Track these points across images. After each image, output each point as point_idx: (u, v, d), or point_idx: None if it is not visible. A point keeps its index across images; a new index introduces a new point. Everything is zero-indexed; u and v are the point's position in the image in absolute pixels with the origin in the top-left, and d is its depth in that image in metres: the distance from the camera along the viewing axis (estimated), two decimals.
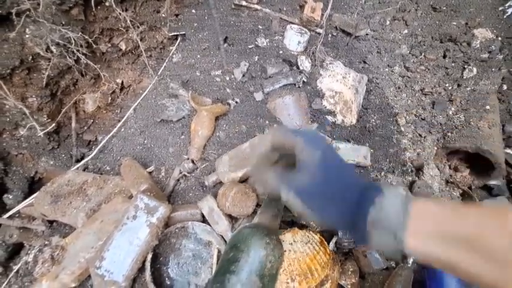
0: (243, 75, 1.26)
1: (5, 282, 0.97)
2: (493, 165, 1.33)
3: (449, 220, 0.41)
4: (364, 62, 1.54)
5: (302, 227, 0.99)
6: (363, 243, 0.50)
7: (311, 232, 0.96)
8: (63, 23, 1.29)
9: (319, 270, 0.89)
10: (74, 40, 1.25)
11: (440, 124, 1.44)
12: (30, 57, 1.34)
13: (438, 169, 1.35)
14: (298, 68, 1.29)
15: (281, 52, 1.33)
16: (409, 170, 1.29)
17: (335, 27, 1.54)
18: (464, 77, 1.56)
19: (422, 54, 1.67)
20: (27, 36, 1.28)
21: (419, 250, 0.42)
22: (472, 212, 0.41)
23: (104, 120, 1.73)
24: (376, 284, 0.97)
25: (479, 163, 1.39)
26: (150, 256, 0.80)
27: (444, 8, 1.81)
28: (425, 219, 0.42)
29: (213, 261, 0.90)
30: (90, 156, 1.39)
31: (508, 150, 1.54)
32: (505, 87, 1.63)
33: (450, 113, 1.47)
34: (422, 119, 1.45)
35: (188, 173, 1.09)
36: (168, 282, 0.86)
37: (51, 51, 1.31)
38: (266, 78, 1.24)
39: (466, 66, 1.58)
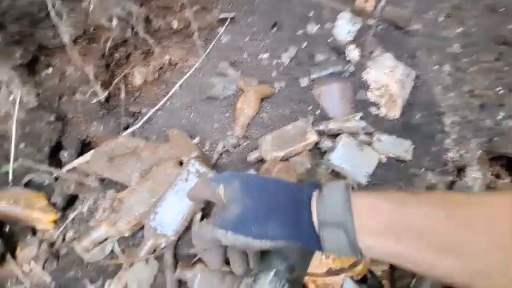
0: (290, 60, 1.29)
1: (62, 227, 1.08)
2: None
3: (395, 212, 0.39)
4: (413, 58, 1.50)
5: None
6: (319, 250, 0.45)
7: None
8: None
9: None
10: (135, 15, 1.33)
11: (488, 128, 1.39)
12: (93, 28, 1.44)
13: (481, 173, 1.31)
14: (346, 57, 1.29)
15: (330, 40, 1.33)
16: (450, 170, 1.27)
17: (386, 19, 1.52)
18: None
19: (475, 55, 1.60)
20: (92, 7, 1.38)
21: (370, 245, 0.39)
22: (415, 202, 0.39)
23: (150, 94, 1.82)
24: (407, 274, 0.98)
25: None
26: (199, 215, 0.86)
27: (503, 9, 1.71)
28: (371, 212, 0.40)
29: None
30: (137, 125, 1.48)
31: None
32: None
33: (498, 118, 1.41)
34: (468, 121, 1.40)
35: (231, 148, 1.14)
36: None
37: (113, 24, 1.40)
38: (313, 65, 1.26)
39: None
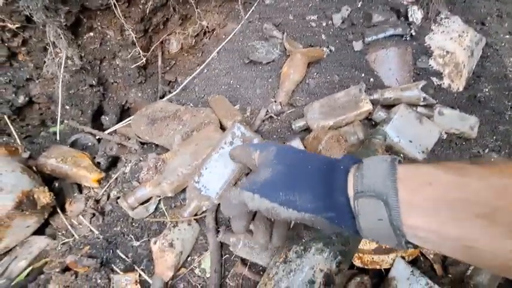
0: (343, 22, 1.16)
1: (106, 186, 1.10)
2: None
3: (455, 183, 0.29)
4: (483, 24, 1.31)
5: None
6: (352, 231, 0.38)
7: None
8: None
9: None
10: None
11: None
12: None
13: None
14: (407, 19, 1.14)
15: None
16: None
17: None
18: None
19: None
20: None
21: (417, 225, 0.30)
22: (482, 173, 0.29)
23: (185, 63, 1.79)
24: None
25: None
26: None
27: None
28: (422, 183, 0.30)
29: None
30: (174, 93, 1.46)
31: None
32: None
33: None
34: None
35: (275, 115, 1.08)
36: None
37: None
38: (369, 26, 1.13)
39: None
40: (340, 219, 0.36)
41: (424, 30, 1.14)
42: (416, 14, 1.13)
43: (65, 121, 1.36)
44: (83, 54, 1.46)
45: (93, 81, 1.44)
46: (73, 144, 1.26)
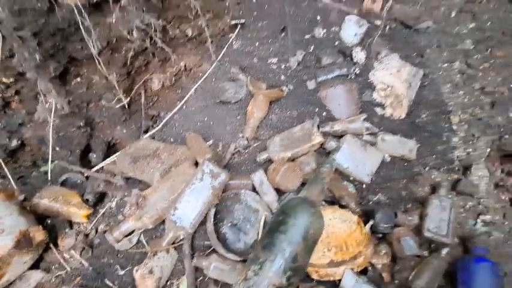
0: (298, 64, 1.35)
1: (95, 221, 1.22)
2: None
3: None
4: (422, 56, 1.52)
5: (342, 207, 1.08)
6: None
7: (350, 212, 1.05)
8: (144, 9, 1.49)
9: (354, 245, 0.98)
10: (154, 26, 1.44)
11: (498, 126, 1.38)
12: (115, 39, 1.57)
13: (489, 171, 1.32)
14: (352, 59, 1.34)
15: (337, 43, 1.38)
16: (456, 169, 1.29)
17: (394, 18, 1.53)
18: None
19: (489, 50, 1.58)
20: (114, 21, 1.50)
21: None
22: None
23: (167, 99, 1.95)
24: (407, 268, 1.03)
25: None
26: (213, 211, 0.97)
27: None
28: None
29: (260, 226, 1.04)
30: (156, 129, 1.61)
31: None
32: None
33: (511, 115, 1.40)
34: (478, 119, 1.41)
35: (242, 149, 1.23)
36: (222, 237, 1.03)
37: (133, 35, 1.52)
38: (320, 67, 1.32)
39: None
40: None
41: (368, 68, 1.34)
42: (359, 55, 1.33)
43: (55, 161, 1.48)
44: (71, 99, 1.61)
45: (81, 123, 1.58)
46: (63, 183, 1.38)
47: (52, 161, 1.48)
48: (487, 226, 1.20)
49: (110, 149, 1.77)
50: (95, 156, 1.63)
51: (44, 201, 1.17)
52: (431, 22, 1.59)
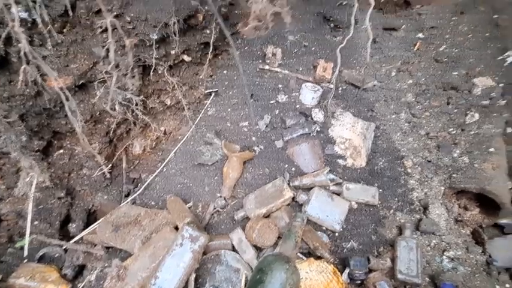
0: (266, 126, 1.52)
1: None
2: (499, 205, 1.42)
3: None
4: (372, 111, 1.76)
5: (317, 258, 1.15)
6: None
7: (325, 263, 1.12)
8: (126, 88, 1.67)
9: None
10: (135, 101, 1.60)
11: (446, 166, 1.57)
12: (98, 113, 1.71)
13: (446, 208, 1.46)
14: (312, 119, 1.53)
15: (298, 106, 1.59)
16: (417, 209, 1.42)
17: (344, 81, 1.80)
18: (467, 122, 1.71)
19: (427, 101, 1.86)
20: (97, 97, 1.66)
21: None
22: None
23: (148, 161, 2.04)
24: None
25: (488, 202, 1.48)
26: (193, 276, 1.00)
27: (445, 59, 2.03)
28: None
29: (241, 285, 1.08)
30: (137, 193, 1.66)
31: None
32: (509, 130, 1.75)
33: (455, 155, 1.61)
34: (428, 161, 1.60)
35: (221, 208, 1.31)
36: None
37: (116, 110, 1.67)
38: (285, 128, 1.49)
39: (468, 112, 1.74)
40: None
41: (327, 125, 1.53)
42: (318, 115, 1.53)
43: (33, 236, 1.47)
44: (52, 170, 1.66)
45: (62, 194, 1.61)
46: (41, 258, 1.36)
47: (30, 235, 1.46)
48: (453, 262, 1.29)
49: (91, 215, 1.77)
50: (74, 226, 1.62)
51: (20, 280, 1.15)
52: (376, 81, 1.88)
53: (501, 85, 1.86)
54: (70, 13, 1.35)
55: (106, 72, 1.56)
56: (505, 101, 1.80)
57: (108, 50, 1.53)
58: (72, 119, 1.39)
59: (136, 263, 1.07)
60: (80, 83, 1.58)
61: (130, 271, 1.04)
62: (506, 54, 2.01)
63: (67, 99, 1.39)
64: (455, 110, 1.80)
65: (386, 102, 1.86)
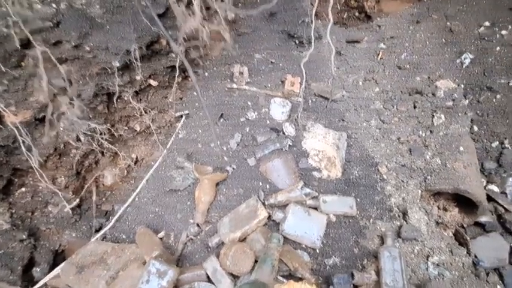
0: (237, 145, 1.49)
1: None
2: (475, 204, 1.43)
3: None
4: (343, 120, 1.77)
5: (299, 279, 1.09)
6: None
7: (307, 284, 1.06)
8: (91, 117, 1.61)
9: None
10: (99, 130, 1.54)
11: (420, 169, 1.58)
12: (62, 145, 1.63)
13: (426, 211, 1.45)
14: (284, 133, 1.52)
15: (268, 122, 1.58)
16: (396, 215, 1.40)
17: (314, 94, 1.82)
18: (435, 124, 1.75)
19: (395, 107, 1.90)
20: (60, 129, 1.58)
21: None
22: None
23: (120, 191, 1.94)
24: None
25: (466, 201, 1.48)
26: None
27: (408, 66, 2.10)
28: None
29: None
30: (108, 227, 1.56)
31: (491, 187, 1.64)
32: (476, 128, 1.81)
33: (427, 157, 1.63)
34: (402, 165, 1.60)
35: (194, 236, 1.24)
36: None
37: (80, 140, 1.60)
38: (257, 145, 1.47)
39: (434, 114, 1.79)
40: None
41: (299, 139, 1.52)
42: (289, 129, 1.52)
43: None
44: (13, 211, 1.54)
45: (24, 235, 1.48)
46: None
47: None
48: (438, 267, 1.26)
49: (58, 256, 1.63)
50: (38, 270, 1.49)
51: None
52: (344, 92, 1.91)
53: (462, 86, 1.94)
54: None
55: (69, 103, 1.50)
56: (467, 101, 1.87)
57: (70, 81, 1.49)
58: (27, 154, 1.31)
59: None
60: (41, 116, 1.51)
61: None
62: (463, 57, 2.11)
63: (20, 135, 1.31)
64: (422, 113, 1.84)
65: (356, 111, 1.89)
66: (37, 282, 1.40)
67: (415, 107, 1.88)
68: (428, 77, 2.00)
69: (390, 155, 1.65)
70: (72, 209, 1.71)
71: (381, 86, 2.02)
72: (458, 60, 2.12)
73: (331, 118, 1.74)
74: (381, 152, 1.66)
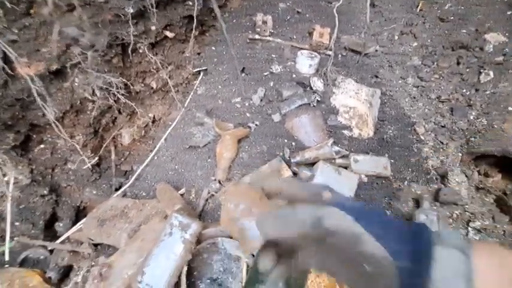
0: (261, 100, 1.38)
1: None
2: None
3: None
4: (376, 77, 1.60)
5: None
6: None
7: None
8: (106, 70, 1.52)
9: None
10: (115, 84, 1.46)
11: (462, 130, 1.43)
12: (79, 101, 1.56)
13: (466, 175, 1.32)
14: (311, 88, 1.38)
15: (294, 76, 1.43)
16: (434, 178, 1.28)
17: (344, 47, 1.64)
18: (482, 81, 1.55)
19: (435, 63, 1.70)
20: (76, 84, 1.51)
21: None
22: None
23: (139, 151, 1.90)
24: None
25: (511, 166, 1.34)
26: (185, 269, 0.87)
27: (451, 17, 1.85)
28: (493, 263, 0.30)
29: (243, 275, 0.95)
30: (127, 185, 1.53)
31: None
32: None
33: (471, 118, 1.46)
34: (442, 126, 1.45)
35: (215, 192, 1.18)
36: None
37: (96, 95, 1.53)
38: (282, 100, 1.34)
39: (482, 71, 1.58)
40: (415, 270, 0.33)
41: (328, 94, 1.38)
42: (317, 84, 1.38)
43: (15, 238, 1.34)
44: (34, 167, 1.52)
45: (45, 191, 1.48)
46: (23, 262, 1.23)
47: (11, 238, 1.34)
48: (479, 233, 1.15)
49: (80, 213, 1.65)
50: (61, 225, 1.50)
51: None
52: (378, 46, 1.72)
53: None
54: None
55: (82, 53, 1.41)
56: None
57: (83, 30, 1.39)
58: (43, 106, 1.25)
59: (121, 259, 0.94)
60: (55, 69, 1.44)
61: (115, 269, 0.92)
62: None
63: (35, 86, 1.25)
64: (467, 70, 1.63)
65: (391, 67, 1.70)
66: (60, 236, 1.42)
67: (458, 63, 1.67)
68: (476, 30, 1.76)
69: (429, 115, 1.49)
70: (92, 167, 1.69)
71: (420, 40, 1.80)
72: (509, 12, 1.85)
73: (363, 74, 1.57)
74: (418, 111, 1.50)
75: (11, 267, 1.19)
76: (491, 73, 1.56)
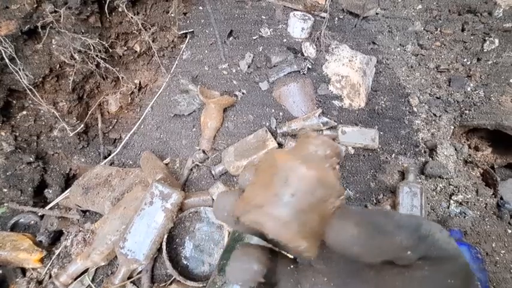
0: (248, 67, 1.30)
1: (49, 264, 1.11)
2: None
3: None
4: (374, 43, 1.50)
5: None
6: None
7: None
8: (83, 31, 1.41)
9: None
10: (93, 46, 1.37)
11: (457, 102, 1.37)
12: (58, 65, 1.48)
13: (455, 149, 1.30)
14: (302, 54, 1.30)
15: (285, 40, 1.34)
16: (422, 151, 1.26)
17: (342, 9, 1.52)
18: (485, 50, 1.46)
19: (438, 29, 1.59)
20: (53, 46, 1.42)
21: None
22: None
23: (127, 119, 1.86)
24: None
25: (502, 141, 1.31)
26: (165, 237, 0.89)
27: None
28: None
29: (225, 243, 0.97)
30: (115, 153, 1.51)
31: None
32: None
33: (468, 89, 1.40)
34: (437, 97, 1.40)
35: (200, 162, 1.16)
36: (185, 262, 0.94)
37: (75, 59, 1.44)
38: (271, 67, 1.27)
39: (486, 38, 1.48)
40: None
41: (320, 62, 1.30)
42: (309, 49, 1.29)
43: (5, 204, 1.36)
44: (17, 134, 1.49)
45: (31, 158, 1.46)
46: (14, 227, 1.26)
47: (0, 204, 1.36)
48: (461, 206, 1.17)
49: (70, 180, 1.65)
50: (51, 191, 1.51)
51: None
52: (379, 8, 1.59)
53: None
54: None
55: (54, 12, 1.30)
56: None
57: None
58: (14, 69, 1.18)
59: (105, 225, 0.96)
60: (28, 29, 1.34)
61: (98, 235, 0.93)
62: None
63: (4, 48, 1.16)
64: (472, 37, 1.53)
65: (390, 33, 1.59)
66: (50, 203, 1.44)
67: (463, 30, 1.56)
68: None
69: (425, 86, 1.42)
70: (79, 135, 1.66)
71: (425, 3, 1.67)
72: None
73: (360, 40, 1.47)
74: (415, 81, 1.43)
75: (2, 231, 1.22)
76: (496, 41, 1.47)
